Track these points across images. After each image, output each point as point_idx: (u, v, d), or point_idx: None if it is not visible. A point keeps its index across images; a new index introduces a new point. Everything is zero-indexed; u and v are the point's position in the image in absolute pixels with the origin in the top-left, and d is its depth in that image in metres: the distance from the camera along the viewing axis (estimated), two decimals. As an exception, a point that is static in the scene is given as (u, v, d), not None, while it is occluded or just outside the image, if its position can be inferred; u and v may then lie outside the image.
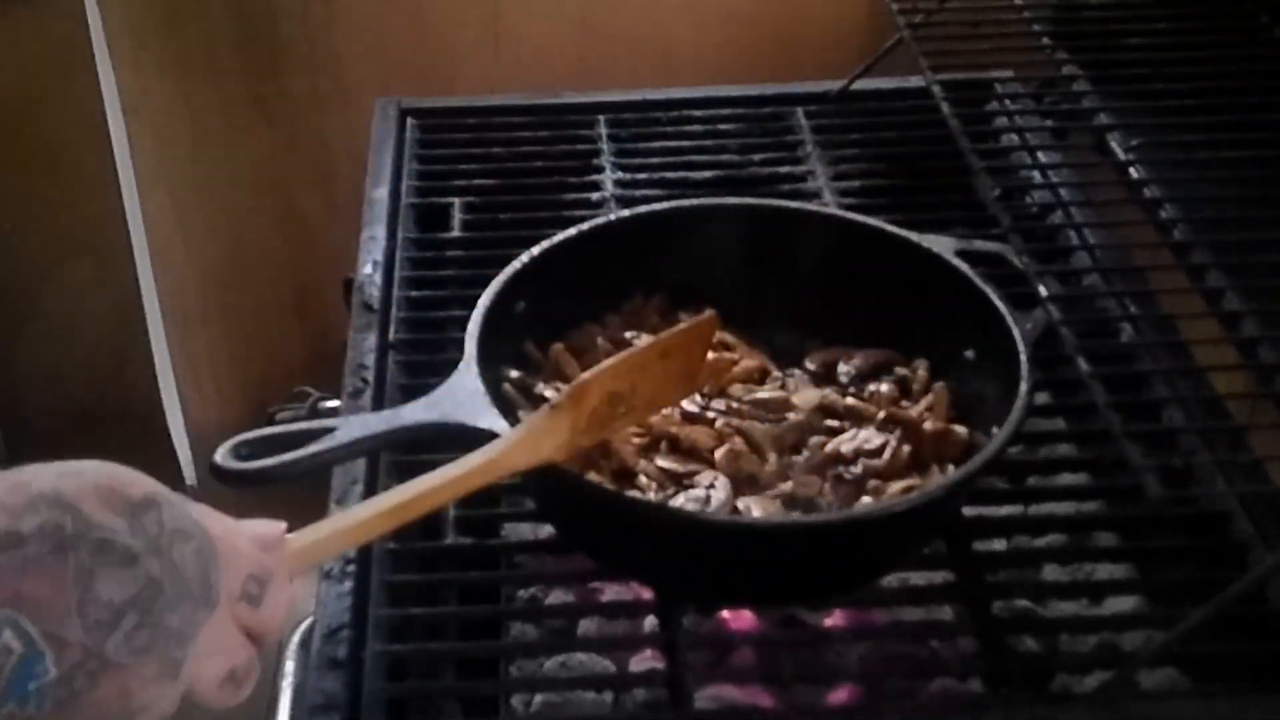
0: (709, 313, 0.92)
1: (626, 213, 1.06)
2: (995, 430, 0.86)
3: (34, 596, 0.54)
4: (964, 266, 0.96)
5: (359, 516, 0.73)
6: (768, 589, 0.88)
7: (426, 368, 1.03)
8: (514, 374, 0.95)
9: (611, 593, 0.95)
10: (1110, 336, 1.04)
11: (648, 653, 0.90)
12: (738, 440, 0.91)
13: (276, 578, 0.64)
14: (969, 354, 0.96)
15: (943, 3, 1.23)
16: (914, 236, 1.00)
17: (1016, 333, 0.90)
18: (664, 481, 0.89)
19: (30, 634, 0.54)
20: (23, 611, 0.54)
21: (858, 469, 0.91)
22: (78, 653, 0.55)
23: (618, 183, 1.26)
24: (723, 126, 1.35)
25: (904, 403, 0.96)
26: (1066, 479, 1.02)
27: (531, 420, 0.81)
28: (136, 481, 0.59)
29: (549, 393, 0.93)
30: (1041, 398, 1.04)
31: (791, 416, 0.94)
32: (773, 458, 0.91)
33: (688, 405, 0.94)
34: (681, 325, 0.92)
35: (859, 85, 1.37)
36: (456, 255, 1.19)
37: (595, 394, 0.83)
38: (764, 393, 0.96)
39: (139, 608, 0.56)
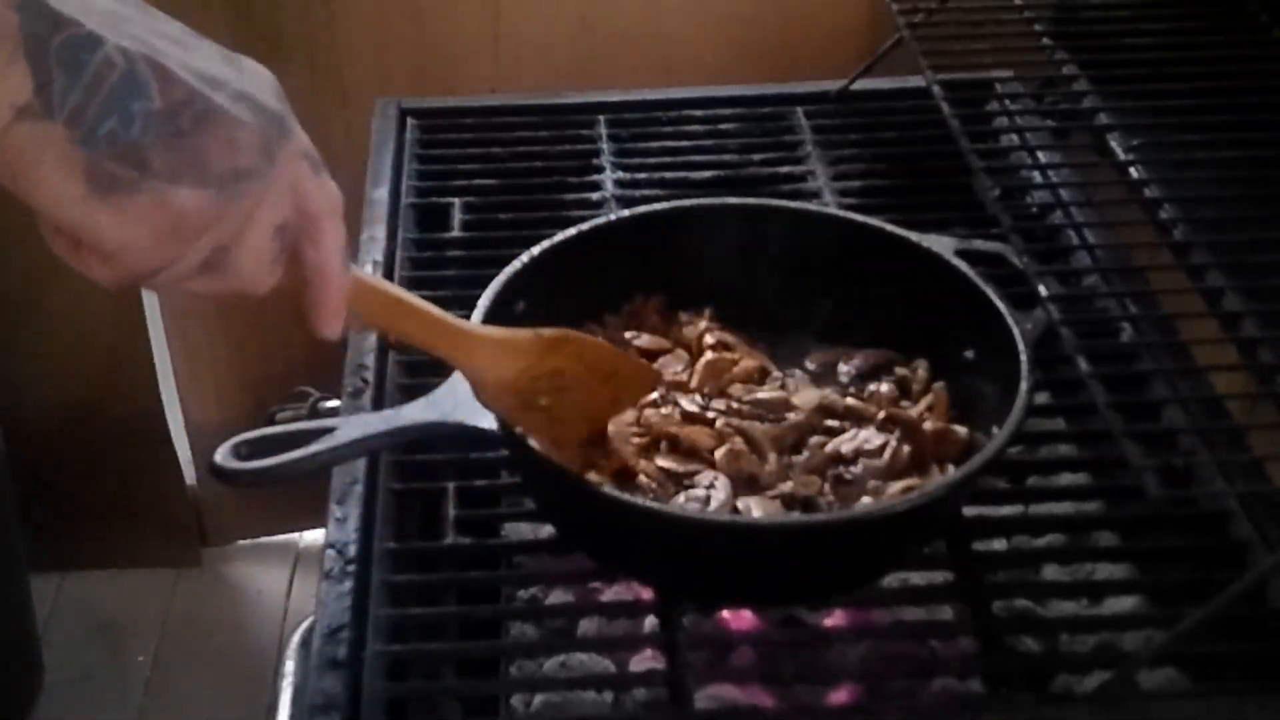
0: (651, 369, 0.95)
1: (626, 213, 1.06)
2: (995, 430, 0.86)
3: (132, 30, 0.52)
4: (964, 266, 0.96)
5: (377, 282, 0.76)
6: (768, 589, 0.88)
7: (426, 368, 1.02)
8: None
9: (611, 593, 0.95)
10: (1110, 336, 1.04)
11: (648, 653, 0.90)
12: (738, 440, 0.91)
13: (325, 171, 0.63)
14: (969, 354, 0.96)
15: (943, 3, 1.23)
16: (914, 236, 1.00)
17: (1016, 333, 0.90)
18: (664, 481, 0.89)
19: (134, 57, 0.52)
20: (123, 37, 0.52)
21: (858, 469, 0.91)
22: (183, 92, 0.53)
23: (618, 183, 1.26)
24: (723, 126, 1.35)
25: (904, 403, 0.96)
26: (1066, 479, 1.02)
27: (516, 332, 0.84)
28: None
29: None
30: (1041, 398, 1.04)
31: (791, 416, 0.94)
32: (773, 458, 0.91)
33: (688, 405, 0.94)
34: (637, 360, 0.96)
35: (859, 85, 1.37)
36: (456, 255, 1.19)
37: (568, 352, 0.86)
38: (764, 393, 0.96)
39: (237, 82, 0.55)
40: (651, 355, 0.99)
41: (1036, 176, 1.17)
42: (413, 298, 0.78)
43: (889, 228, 1.01)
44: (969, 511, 0.97)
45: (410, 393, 0.94)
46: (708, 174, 1.28)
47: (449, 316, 0.80)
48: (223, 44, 0.61)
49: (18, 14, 0.49)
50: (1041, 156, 1.19)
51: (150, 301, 1.89)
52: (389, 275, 1.15)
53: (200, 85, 0.53)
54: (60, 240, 0.57)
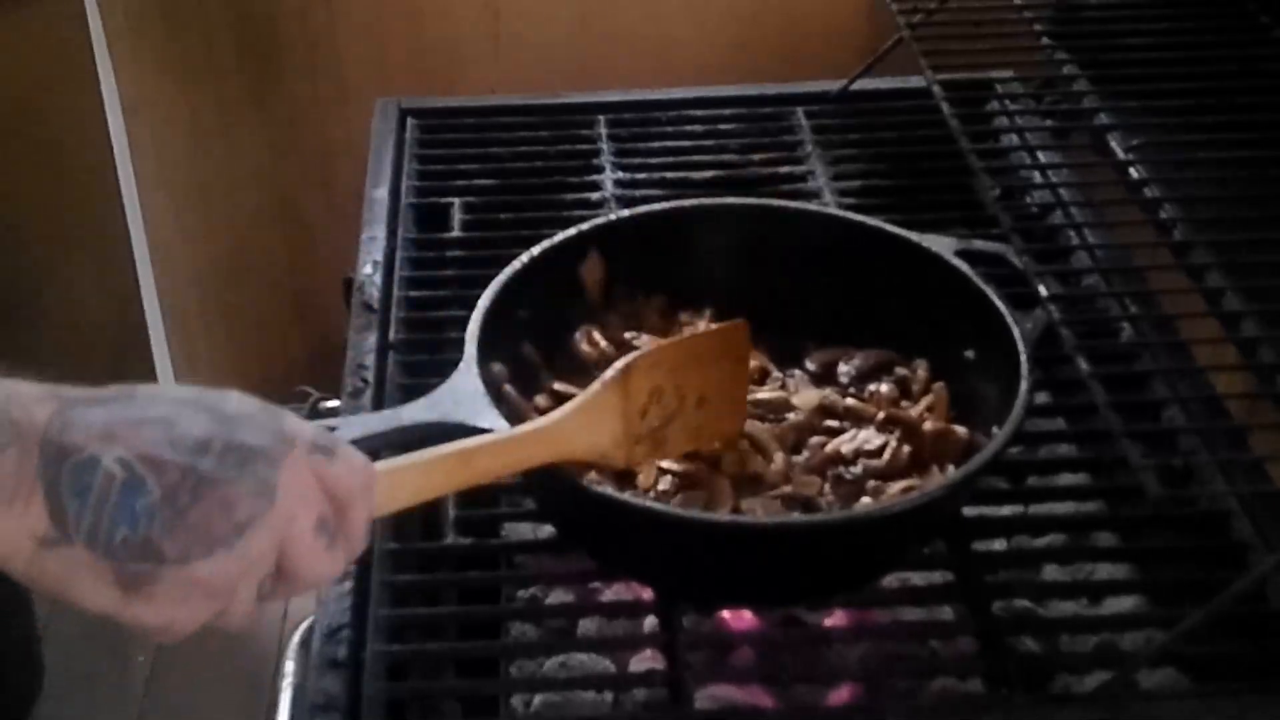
0: (736, 321, 0.92)
1: (626, 213, 1.06)
2: (995, 430, 0.86)
3: (124, 436, 0.59)
4: (964, 266, 0.96)
5: (432, 460, 0.75)
6: (768, 589, 0.88)
7: (426, 368, 1.02)
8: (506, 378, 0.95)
9: (611, 593, 0.95)
10: (1110, 336, 1.04)
11: (648, 653, 0.90)
12: (743, 441, 0.91)
13: (344, 445, 0.66)
14: (969, 354, 0.96)
15: (943, 3, 1.23)
16: (914, 236, 1.00)
17: (1016, 333, 0.90)
18: (664, 482, 0.89)
19: (128, 460, 0.58)
20: (118, 445, 0.58)
21: (858, 469, 0.91)
22: (175, 474, 0.59)
23: (618, 183, 1.26)
24: (723, 126, 1.35)
25: (904, 403, 0.96)
26: (1066, 479, 1.02)
27: (583, 396, 0.83)
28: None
29: (556, 385, 0.94)
30: (1041, 398, 1.04)
31: (791, 417, 0.94)
32: (779, 457, 0.91)
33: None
34: (711, 327, 0.94)
35: (859, 85, 1.37)
36: (456, 255, 1.19)
37: (640, 374, 0.84)
38: (764, 393, 0.96)
39: (222, 437, 0.60)
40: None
41: (1036, 176, 1.17)
42: (473, 442, 0.77)
43: (889, 228, 1.01)
44: (969, 511, 0.97)
45: (410, 393, 0.94)
46: (708, 174, 1.28)
47: (522, 429, 0.80)
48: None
49: (39, 456, 0.57)
50: (1041, 156, 1.19)
51: (150, 302, 1.89)
52: (389, 275, 1.15)
53: (189, 459, 0.59)
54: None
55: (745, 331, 0.92)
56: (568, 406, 0.83)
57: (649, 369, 0.86)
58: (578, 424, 0.82)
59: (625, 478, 0.90)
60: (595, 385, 0.84)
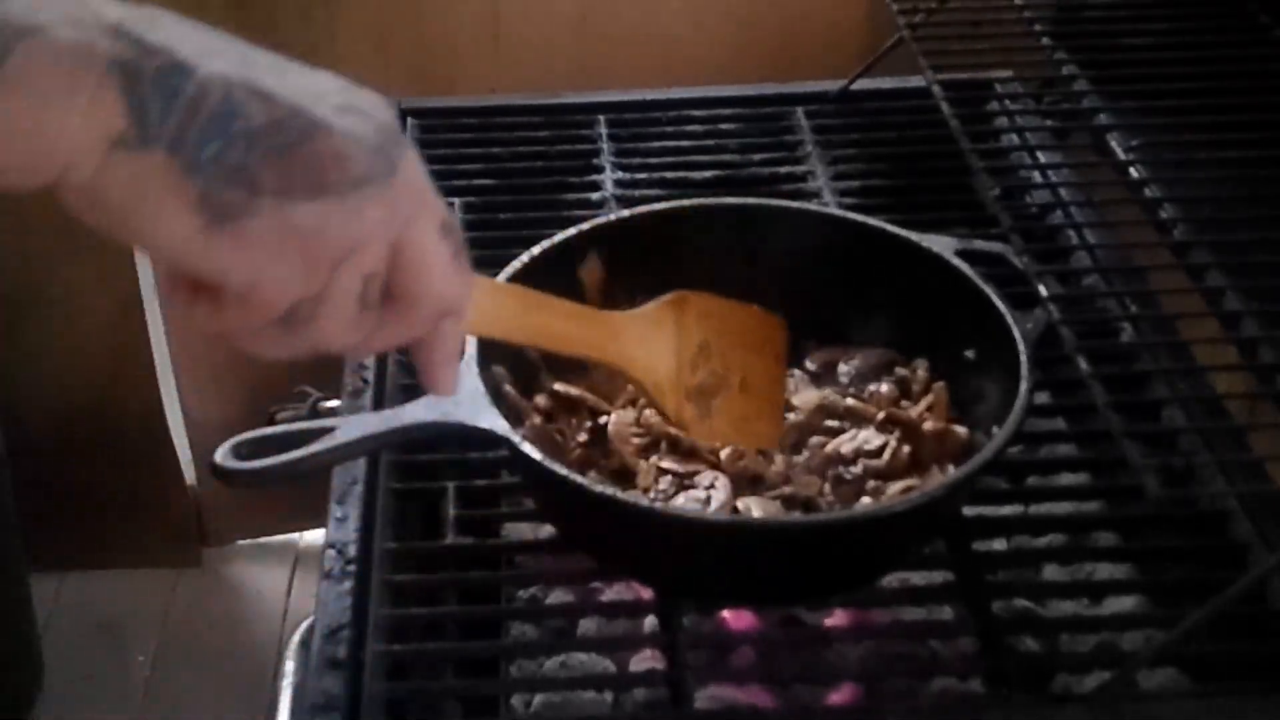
0: (773, 316, 0.93)
1: (627, 212, 1.06)
2: (995, 430, 0.86)
3: (227, 55, 0.50)
4: (964, 266, 0.96)
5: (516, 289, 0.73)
6: (768, 589, 0.88)
7: (426, 368, 1.02)
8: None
9: (611, 593, 0.95)
10: (1110, 336, 1.04)
11: (648, 653, 0.90)
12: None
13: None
14: (969, 354, 0.96)
15: (943, 3, 1.23)
16: (914, 236, 1.00)
17: (1016, 333, 0.90)
18: (664, 482, 0.89)
19: (230, 78, 0.49)
20: (216, 61, 0.49)
21: (858, 469, 0.91)
22: (284, 109, 0.50)
23: (618, 183, 1.26)
24: (723, 126, 1.35)
25: (904, 403, 0.96)
26: (1066, 479, 1.02)
27: (642, 310, 0.84)
28: None
29: (556, 386, 0.94)
30: (1041, 398, 1.03)
31: (791, 417, 0.94)
32: (780, 458, 0.91)
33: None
34: (751, 306, 0.93)
35: (859, 85, 1.37)
36: (456, 255, 1.19)
37: (691, 312, 0.85)
38: (764, 393, 0.96)
39: (340, 97, 0.52)
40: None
41: (1036, 176, 1.17)
42: (554, 299, 0.73)
43: (889, 228, 1.01)
44: (969, 511, 0.97)
45: (410, 393, 0.94)
46: (708, 174, 1.27)
47: (589, 310, 0.80)
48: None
49: (108, 41, 0.47)
50: (1041, 156, 1.19)
51: (150, 302, 1.89)
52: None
53: (303, 101, 0.50)
54: (181, 292, 0.52)
55: (783, 330, 0.93)
56: (625, 313, 0.83)
57: (699, 312, 0.86)
58: (638, 332, 0.81)
59: (625, 478, 0.90)
60: (651, 304, 0.84)
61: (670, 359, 0.84)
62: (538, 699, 0.89)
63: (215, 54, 0.49)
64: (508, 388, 0.93)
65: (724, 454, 0.90)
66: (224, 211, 0.48)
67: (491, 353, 0.90)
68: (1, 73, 0.45)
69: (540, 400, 0.95)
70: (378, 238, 0.52)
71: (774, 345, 0.92)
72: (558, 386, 0.95)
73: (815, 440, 0.93)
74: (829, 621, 0.92)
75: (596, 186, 1.26)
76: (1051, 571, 0.96)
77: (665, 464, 0.90)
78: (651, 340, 0.83)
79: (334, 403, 1.07)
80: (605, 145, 1.31)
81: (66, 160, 0.47)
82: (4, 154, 0.47)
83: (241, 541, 2.06)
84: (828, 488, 0.90)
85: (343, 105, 0.51)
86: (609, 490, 0.86)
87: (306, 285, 0.51)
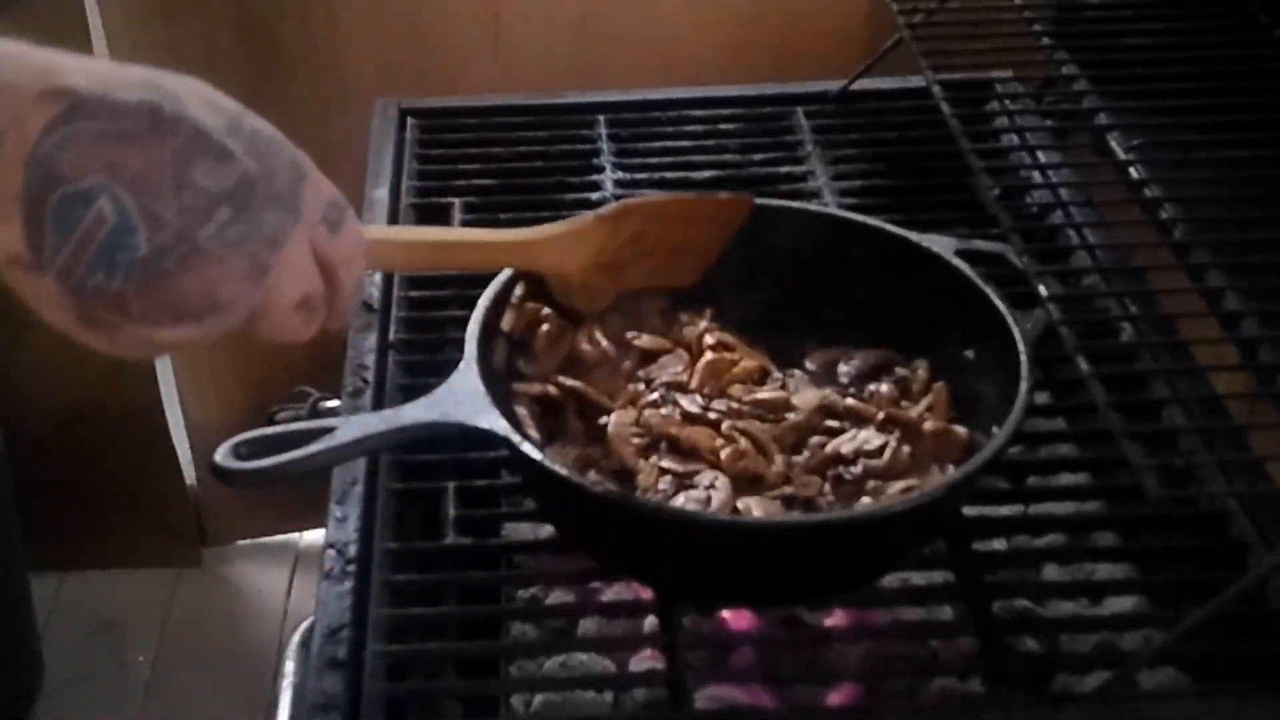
0: (744, 195, 0.96)
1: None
2: (995, 430, 0.86)
3: (131, 170, 0.53)
4: (964, 266, 0.96)
5: (417, 239, 0.78)
6: (768, 589, 0.88)
7: (426, 368, 1.03)
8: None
9: (611, 593, 0.95)
10: (1110, 336, 1.04)
11: (648, 653, 0.90)
12: (744, 441, 0.91)
13: (350, 215, 0.64)
14: (969, 354, 0.96)
15: (943, 3, 1.23)
16: (914, 236, 1.00)
17: (1016, 333, 0.90)
18: (664, 482, 0.89)
19: (126, 206, 0.54)
20: (119, 183, 0.53)
21: (858, 469, 0.91)
22: (170, 235, 0.55)
23: (618, 183, 1.26)
24: (723, 126, 1.35)
25: (904, 403, 0.96)
26: (1066, 479, 1.02)
27: (573, 221, 0.86)
28: (229, 99, 0.59)
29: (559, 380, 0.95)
30: (1041, 398, 1.04)
31: (791, 417, 0.94)
32: (779, 458, 0.91)
33: (688, 405, 0.94)
34: (717, 195, 0.97)
35: (859, 85, 1.37)
36: (457, 255, 1.19)
37: (634, 220, 0.87)
38: (764, 393, 0.96)
39: (233, 203, 0.56)
40: (652, 355, 0.99)
41: (1036, 176, 1.17)
42: (454, 233, 0.81)
43: (889, 228, 1.01)
44: (969, 511, 0.97)
45: (410, 393, 0.94)
46: (708, 174, 1.28)
47: (500, 235, 0.83)
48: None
49: (24, 175, 0.53)
50: (1041, 156, 1.19)
51: (150, 301, 1.89)
52: (389, 275, 1.15)
53: (188, 222, 0.55)
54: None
55: (746, 208, 0.96)
56: (552, 226, 0.86)
57: (644, 218, 0.89)
58: (555, 245, 0.86)
59: (625, 477, 0.90)
60: (589, 216, 0.87)
61: (588, 256, 0.86)
62: (538, 699, 0.89)
63: (122, 159, 0.53)
64: (519, 388, 0.93)
65: (724, 454, 0.90)
66: (97, 325, 0.56)
67: (491, 353, 0.91)
68: None
69: (536, 389, 0.94)
70: (228, 327, 0.59)
71: (728, 218, 0.95)
72: (560, 380, 0.95)
73: (815, 440, 0.93)
74: (829, 621, 0.92)
75: (596, 186, 1.26)
76: (1051, 571, 0.96)
77: (665, 464, 0.90)
78: (570, 249, 0.86)
79: (334, 403, 1.07)
80: (605, 145, 1.31)
81: None
82: None
83: (241, 541, 2.06)
84: (828, 488, 0.90)
85: (233, 216, 0.56)
86: (609, 490, 0.86)
87: (161, 352, 0.61)
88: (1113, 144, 1.12)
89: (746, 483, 0.90)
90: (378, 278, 1.14)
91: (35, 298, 0.56)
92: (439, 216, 1.24)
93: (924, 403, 0.96)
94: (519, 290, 0.94)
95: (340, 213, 0.62)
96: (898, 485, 0.89)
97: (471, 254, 0.82)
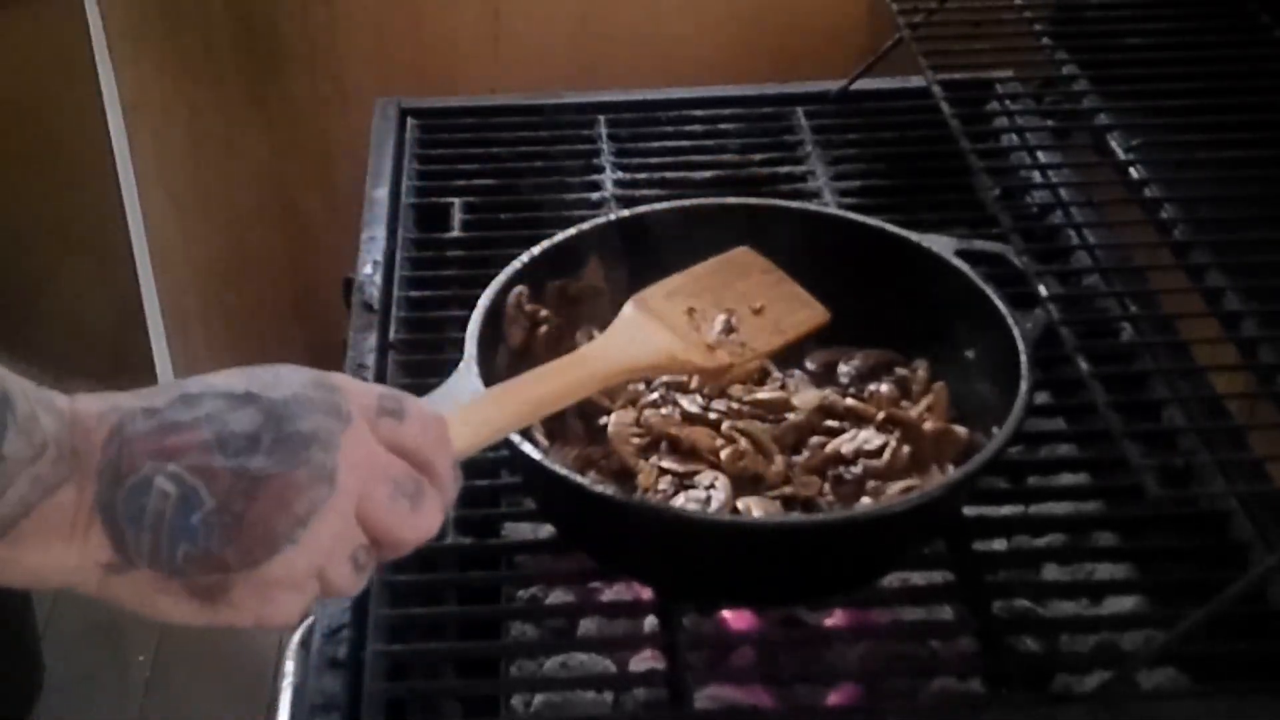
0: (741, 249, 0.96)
1: (626, 213, 1.06)
2: (995, 430, 0.86)
3: (174, 448, 0.58)
4: (964, 266, 0.96)
5: (496, 396, 0.76)
6: (768, 589, 0.88)
7: (426, 368, 1.02)
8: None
9: (611, 593, 0.95)
10: (1110, 336, 1.04)
11: (648, 653, 0.90)
12: (744, 441, 0.91)
13: (411, 400, 0.65)
14: (969, 354, 0.96)
15: (943, 3, 1.23)
16: (914, 236, 1.00)
17: (1016, 333, 0.90)
18: (664, 482, 0.89)
19: (180, 474, 0.58)
20: (169, 463, 0.57)
21: (858, 469, 0.91)
22: (227, 479, 0.58)
23: (618, 183, 1.26)
24: (723, 126, 1.35)
25: (904, 403, 0.96)
26: (1066, 479, 1.02)
27: (612, 325, 0.86)
28: (251, 368, 0.63)
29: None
30: (1041, 398, 1.04)
31: (791, 417, 0.94)
32: (779, 459, 0.91)
33: (688, 405, 0.94)
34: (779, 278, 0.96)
35: (859, 85, 1.37)
36: (456, 255, 1.19)
37: (659, 303, 0.87)
38: (764, 393, 0.96)
39: (270, 429, 0.59)
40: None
41: (1036, 176, 1.17)
42: (530, 375, 0.79)
43: (889, 228, 1.01)
44: (969, 511, 0.97)
45: (410, 393, 0.94)
46: (708, 174, 1.28)
47: (566, 359, 0.82)
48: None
49: (97, 483, 0.57)
50: (1041, 156, 1.19)
51: (150, 301, 1.89)
52: (389, 275, 1.15)
53: (239, 461, 0.58)
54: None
55: (752, 254, 0.95)
56: (596, 341, 0.86)
57: (664, 299, 0.88)
58: (621, 341, 0.84)
59: (625, 477, 0.90)
60: (617, 318, 0.86)
61: (668, 336, 0.85)
62: (538, 699, 0.89)
63: (166, 444, 0.58)
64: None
65: (724, 454, 0.90)
66: (210, 593, 0.59)
67: (491, 353, 0.90)
68: (18, 530, 0.56)
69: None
70: (346, 538, 0.61)
71: (753, 267, 0.94)
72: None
73: (815, 440, 0.93)
74: (829, 621, 0.92)
75: (596, 186, 1.26)
76: (1051, 571, 0.96)
77: (665, 464, 0.90)
78: (640, 338, 0.85)
79: (334, 403, 1.06)
80: (605, 145, 1.31)
81: (66, 583, 0.59)
82: (14, 582, 0.58)
83: (242, 541, 2.05)
84: (827, 488, 0.90)
85: (275, 440, 0.59)
86: (609, 490, 0.86)
87: (303, 600, 0.61)
88: (1113, 144, 1.12)
89: (746, 483, 0.90)
90: (377, 277, 1.14)
91: (140, 597, 0.59)
92: (439, 216, 1.24)
93: (924, 403, 0.96)
94: (516, 296, 0.94)
95: (398, 401, 0.65)
96: (898, 485, 0.89)
97: (554, 381, 0.79)
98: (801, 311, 0.92)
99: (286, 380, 0.62)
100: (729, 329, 0.88)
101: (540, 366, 0.80)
